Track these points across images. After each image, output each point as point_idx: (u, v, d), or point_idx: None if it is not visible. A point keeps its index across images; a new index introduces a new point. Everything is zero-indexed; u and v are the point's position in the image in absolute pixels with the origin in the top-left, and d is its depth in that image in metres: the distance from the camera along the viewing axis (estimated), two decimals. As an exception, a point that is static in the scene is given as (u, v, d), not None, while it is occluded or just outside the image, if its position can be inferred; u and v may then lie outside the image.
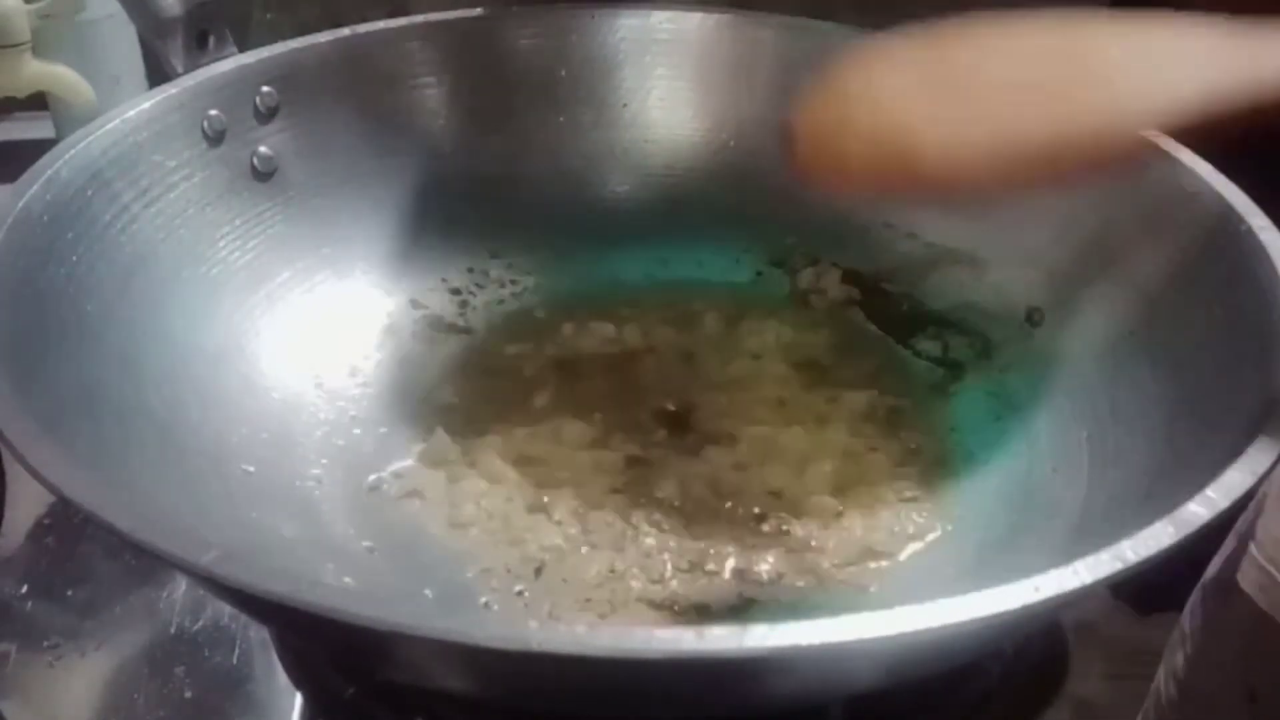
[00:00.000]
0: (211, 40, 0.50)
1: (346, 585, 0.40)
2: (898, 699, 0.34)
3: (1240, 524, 0.37)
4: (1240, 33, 0.34)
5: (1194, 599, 0.42)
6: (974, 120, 0.35)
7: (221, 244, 0.48)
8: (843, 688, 0.33)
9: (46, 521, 0.47)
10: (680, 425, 0.48)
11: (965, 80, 0.36)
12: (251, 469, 0.43)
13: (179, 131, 0.47)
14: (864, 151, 0.36)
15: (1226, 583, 0.42)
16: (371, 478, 0.45)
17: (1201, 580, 0.40)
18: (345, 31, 0.53)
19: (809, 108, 0.38)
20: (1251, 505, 0.30)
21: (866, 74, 0.37)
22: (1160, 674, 0.40)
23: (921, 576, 0.42)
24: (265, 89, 0.50)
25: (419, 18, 0.55)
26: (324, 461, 0.46)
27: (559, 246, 0.56)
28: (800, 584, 0.42)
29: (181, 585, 0.44)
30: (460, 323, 0.53)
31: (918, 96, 0.36)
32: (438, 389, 0.50)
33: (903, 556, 0.43)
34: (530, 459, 0.46)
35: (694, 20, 0.56)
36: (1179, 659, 0.41)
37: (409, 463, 0.46)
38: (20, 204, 0.40)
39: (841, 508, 0.45)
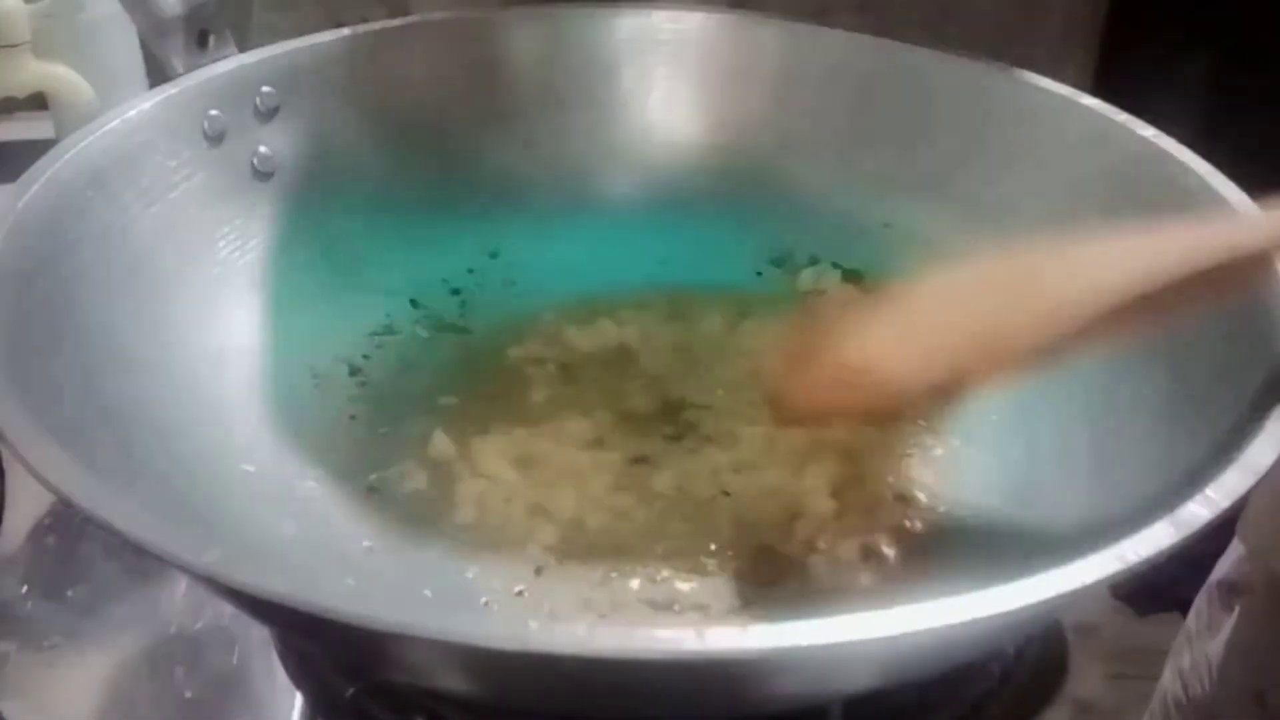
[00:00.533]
0: (211, 40, 0.50)
1: (347, 585, 0.40)
2: (898, 699, 0.34)
3: (1240, 526, 0.37)
4: (1148, 235, 0.38)
5: (1200, 600, 0.42)
6: (928, 352, 0.40)
7: (221, 244, 0.48)
8: (843, 688, 0.33)
9: (46, 521, 0.47)
10: (680, 425, 0.48)
11: (918, 322, 0.41)
12: (251, 469, 0.43)
13: (179, 131, 0.47)
14: (835, 393, 0.42)
15: (1234, 585, 0.42)
16: (371, 478, 0.45)
17: (1207, 582, 0.40)
18: (345, 31, 0.53)
19: (784, 361, 0.44)
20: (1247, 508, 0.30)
21: (831, 325, 0.43)
22: (1166, 674, 0.40)
23: (921, 577, 0.42)
24: (265, 89, 0.50)
25: (419, 17, 0.55)
26: (324, 461, 0.46)
27: (559, 246, 0.56)
28: (800, 584, 0.42)
29: (181, 585, 0.44)
30: (460, 323, 0.53)
31: (881, 340, 0.41)
32: (438, 389, 0.50)
33: (902, 556, 0.43)
34: (530, 459, 0.46)
35: (694, 20, 0.56)
36: (1186, 660, 0.41)
37: (409, 463, 0.46)
38: (20, 204, 0.40)
39: (841, 508, 0.45)
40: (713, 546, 0.43)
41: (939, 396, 0.42)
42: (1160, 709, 0.44)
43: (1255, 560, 0.42)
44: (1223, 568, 0.43)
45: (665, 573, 0.42)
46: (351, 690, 0.38)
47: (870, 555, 0.43)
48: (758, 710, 0.32)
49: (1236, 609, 0.42)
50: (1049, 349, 0.38)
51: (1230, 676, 0.41)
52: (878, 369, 0.40)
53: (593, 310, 0.54)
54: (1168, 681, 0.43)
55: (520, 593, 0.41)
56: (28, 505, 0.47)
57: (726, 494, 0.45)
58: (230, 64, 0.50)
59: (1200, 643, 0.42)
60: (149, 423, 0.40)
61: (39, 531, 0.47)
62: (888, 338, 0.41)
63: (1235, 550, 0.44)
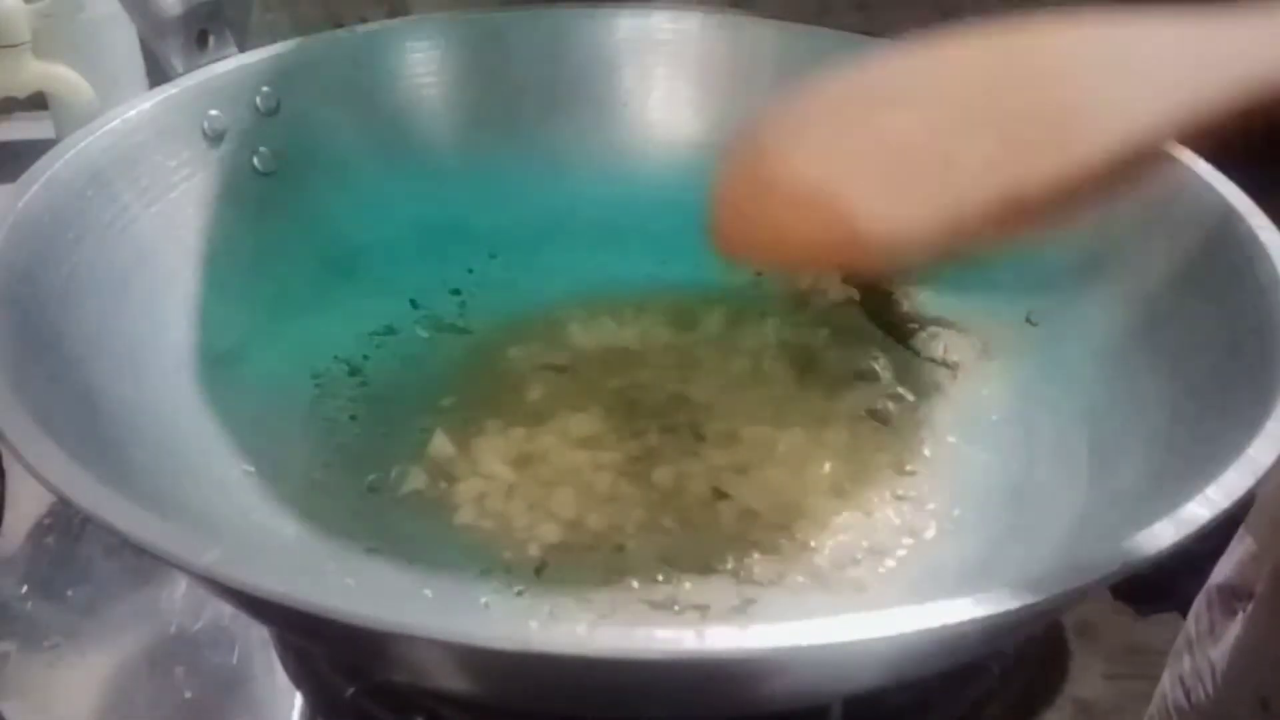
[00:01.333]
0: (211, 40, 0.50)
1: (346, 585, 0.40)
2: (898, 699, 0.34)
3: (1248, 523, 0.37)
4: (1228, 22, 0.29)
5: (1200, 603, 0.41)
6: (916, 177, 0.30)
7: (221, 244, 0.48)
8: (843, 688, 0.33)
9: (46, 521, 0.47)
10: (680, 425, 0.48)
11: (902, 126, 0.31)
12: (251, 469, 0.43)
13: (179, 131, 0.47)
14: (789, 222, 0.31)
15: (1235, 589, 0.42)
16: (371, 478, 0.45)
17: (1207, 585, 0.40)
18: (345, 31, 0.53)
19: (728, 173, 0.32)
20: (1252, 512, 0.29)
21: (789, 128, 0.32)
22: (1166, 679, 0.40)
23: (921, 576, 0.42)
24: (265, 89, 0.50)
25: (419, 18, 0.55)
26: (324, 461, 0.46)
27: (559, 246, 0.56)
28: (800, 584, 0.42)
29: (181, 585, 0.44)
30: (460, 323, 0.53)
31: (849, 152, 0.31)
32: (438, 389, 0.50)
33: (902, 556, 0.43)
34: (530, 459, 0.46)
35: (694, 20, 0.56)
36: (1186, 665, 0.40)
37: (409, 463, 0.46)
38: (20, 204, 0.40)
39: (841, 507, 0.45)
40: (713, 546, 0.43)
41: (934, 248, 0.30)
42: (1160, 715, 0.44)
43: (1264, 557, 0.42)
44: (1223, 570, 0.43)
45: (665, 572, 0.42)
46: (351, 690, 0.38)
47: (870, 555, 0.43)
48: (758, 710, 0.32)
49: (1240, 613, 0.42)
50: (1078, 192, 0.29)
51: (1234, 682, 0.41)
52: (853, 199, 0.30)
53: (593, 310, 0.54)
54: (1167, 687, 0.42)
55: (520, 593, 0.41)
56: (28, 505, 0.47)
57: (727, 494, 0.45)
58: (230, 64, 0.50)
59: (1202, 647, 0.42)
60: (149, 423, 0.40)
61: (39, 531, 0.47)
62: (869, 153, 0.30)
63: (1235, 552, 0.43)
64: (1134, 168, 0.29)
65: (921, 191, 0.30)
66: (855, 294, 0.54)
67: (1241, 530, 0.42)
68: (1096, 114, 0.29)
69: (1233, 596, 0.42)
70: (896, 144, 0.30)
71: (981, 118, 0.30)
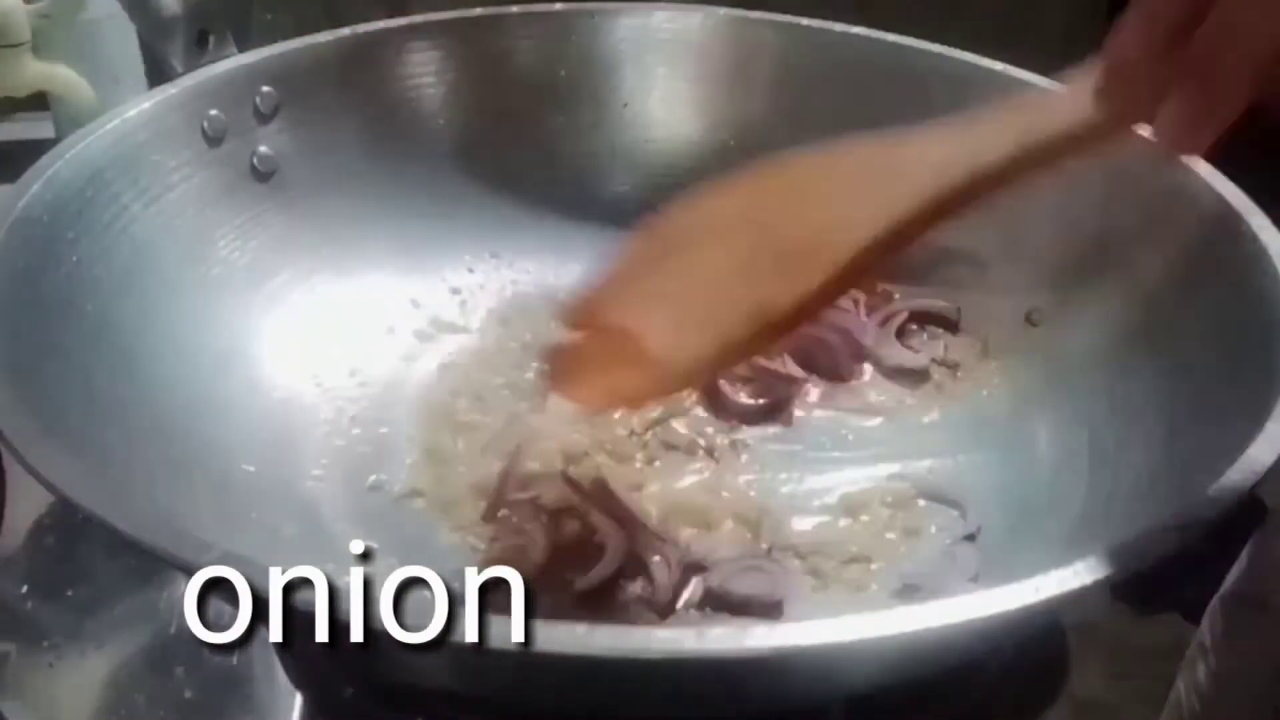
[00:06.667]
0: (211, 40, 0.51)
1: (346, 585, 0.40)
2: (898, 699, 0.34)
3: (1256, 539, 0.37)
4: (960, 127, 0.35)
5: (1213, 611, 0.41)
6: (693, 313, 0.36)
7: (221, 244, 0.48)
8: (843, 688, 0.33)
9: (46, 521, 0.47)
10: (680, 423, 0.48)
11: (685, 269, 0.37)
12: (252, 469, 0.43)
13: (179, 131, 0.47)
14: (607, 378, 0.39)
15: (1247, 597, 0.42)
16: (371, 478, 0.45)
17: (1220, 592, 0.40)
18: (345, 31, 0.53)
19: (561, 338, 0.40)
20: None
21: (605, 286, 0.39)
22: (1180, 686, 0.40)
23: (922, 577, 0.42)
24: (265, 89, 0.50)
25: (419, 18, 0.55)
26: (324, 461, 0.46)
27: (559, 246, 0.56)
28: (800, 585, 0.42)
29: (181, 585, 0.44)
30: (460, 322, 0.53)
31: (644, 305, 0.37)
32: (438, 388, 0.50)
33: (902, 556, 0.43)
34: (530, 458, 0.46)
35: (694, 20, 0.56)
36: (1200, 672, 0.40)
37: (409, 462, 0.46)
38: (20, 204, 0.40)
39: (841, 508, 0.45)
40: (714, 547, 0.43)
41: (706, 370, 0.39)
42: (1171, 720, 0.44)
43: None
44: (1236, 578, 0.43)
45: (667, 573, 0.42)
46: (351, 690, 0.39)
47: (870, 555, 0.43)
48: (758, 710, 0.32)
49: (1253, 622, 0.42)
50: (816, 303, 0.35)
51: (1251, 691, 0.41)
52: (652, 346, 0.36)
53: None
54: (1182, 694, 0.42)
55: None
56: (28, 505, 0.47)
57: (727, 493, 0.45)
58: (230, 64, 0.50)
59: (1215, 655, 0.42)
60: (149, 423, 0.40)
61: (39, 531, 0.46)
62: (659, 302, 0.37)
63: (1247, 560, 0.43)
64: (870, 263, 0.35)
65: (697, 325, 0.36)
66: (856, 294, 0.54)
67: (1255, 536, 0.42)
68: (829, 231, 0.35)
69: (1246, 605, 0.42)
70: (678, 285, 0.37)
71: (743, 253, 0.37)
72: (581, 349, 0.40)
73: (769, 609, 0.40)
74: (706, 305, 0.36)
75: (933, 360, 0.51)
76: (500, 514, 0.43)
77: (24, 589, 0.44)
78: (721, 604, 0.40)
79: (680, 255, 0.37)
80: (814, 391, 0.50)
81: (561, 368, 0.41)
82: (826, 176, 0.37)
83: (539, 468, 0.44)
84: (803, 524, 0.44)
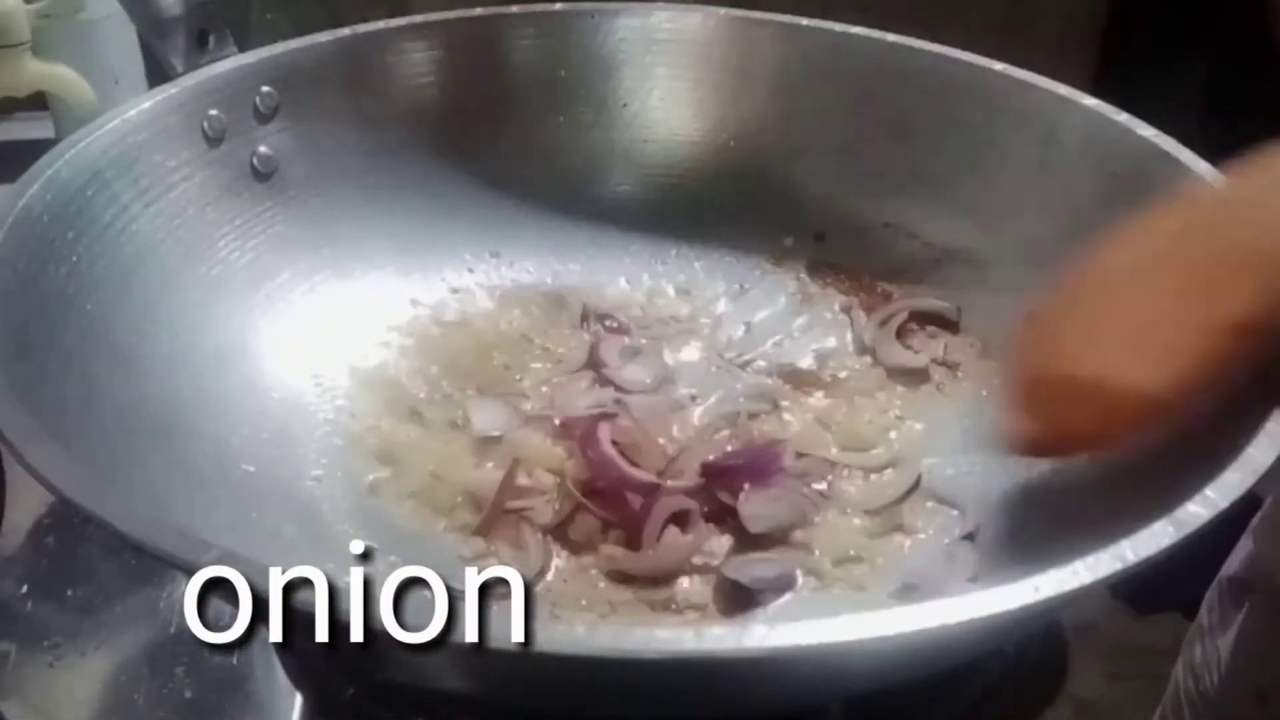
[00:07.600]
0: (211, 40, 0.50)
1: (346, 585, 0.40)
2: (898, 699, 0.34)
3: (1253, 527, 0.37)
4: None
5: (1211, 595, 0.42)
6: (1152, 342, 0.34)
7: (221, 244, 0.48)
8: (843, 688, 0.33)
9: (46, 521, 0.47)
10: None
11: (1134, 299, 0.35)
12: (252, 469, 0.43)
13: (179, 131, 0.47)
14: (1071, 412, 0.36)
15: (1243, 581, 0.42)
16: (371, 478, 0.45)
17: (1219, 576, 0.40)
18: (345, 31, 0.53)
19: (1013, 384, 0.37)
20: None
21: (1051, 326, 0.37)
22: (1179, 667, 0.40)
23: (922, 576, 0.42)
24: (265, 89, 0.50)
25: (419, 18, 0.55)
26: (324, 461, 0.46)
27: (559, 246, 0.56)
28: (800, 584, 0.42)
29: (181, 585, 0.44)
30: (460, 322, 0.53)
31: (1104, 337, 0.35)
32: (438, 388, 0.50)
33: (901, 556, 0.43)
34: (530, 459, 0.46)
35: (694, 20, 0.56)
36: (1197, 653, 0.41)
37: (409, 463, 0.46)
38: (20, 204, 0.40)
39: (841, 508, 0.45)
40: (714, 547, 0.43)
41: (1194, 391, 0.34)
42: (1172, 702, 0.44)
43: (1260, 567, 0.42)
44: (1233, 564, 0.43)
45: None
46: (351, 690, 0.39)
47: (869, 555, 0.43)
48: (758, 710, 0.32)
49: (1245, 606, 0.42)
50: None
51: (1235, 672, 0.41)
52: (1111, 376, 0.34)
53: (593, 310, 0.54)
54: (1180, 674, 0.43)
55: (520, 592, 0.41)
56: (28, 505, 0.47)
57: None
58: (230, 64, 0.50)
59: (1211, 637, 0.42)
60: (149, 423, 0.40)
61: (39, 531, 0.47)
62: (1105, 335, 0.35)
63: (1245, 546, 0.44)
64: None
65: (1158, 354, 0.34)
66: (856, 294, 0.54)
67: (1252, 523, 0.42)
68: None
69: (1241, 589, 0.42)
70: (1134, 317, 0.35)
71: (1182, 273, 0.35)
72: (1040, 404, 0.37)
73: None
74: (1160, 331, 0.34)
75: (933, 360, 0.51)
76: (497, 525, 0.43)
77: (24, 589, 0.44)
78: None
79: (1116, 291, 0.36)
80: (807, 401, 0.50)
81: (1023, 422, 0.37)
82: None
83: (532, 482, 0.45)
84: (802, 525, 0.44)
